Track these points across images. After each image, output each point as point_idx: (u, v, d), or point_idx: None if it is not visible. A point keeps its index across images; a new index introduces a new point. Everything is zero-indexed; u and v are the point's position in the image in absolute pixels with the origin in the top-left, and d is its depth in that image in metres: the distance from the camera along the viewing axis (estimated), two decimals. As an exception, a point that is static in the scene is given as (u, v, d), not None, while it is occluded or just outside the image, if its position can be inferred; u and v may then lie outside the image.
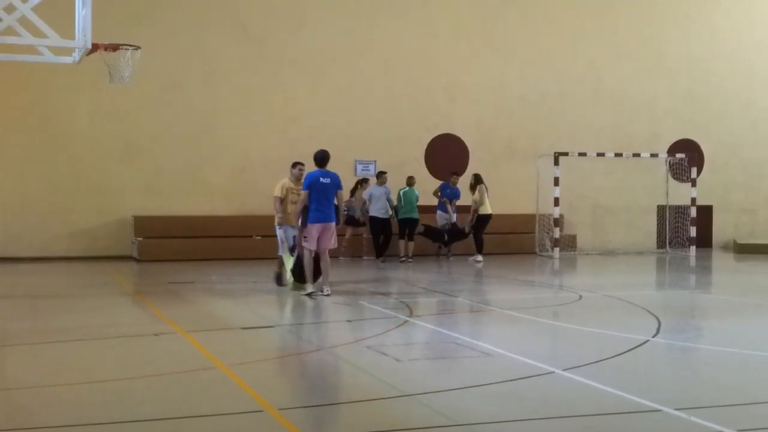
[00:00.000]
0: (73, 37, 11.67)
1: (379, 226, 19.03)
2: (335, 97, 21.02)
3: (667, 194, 22.79)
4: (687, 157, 22.37)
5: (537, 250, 21.08)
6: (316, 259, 12.84)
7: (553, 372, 7.78)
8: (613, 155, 21.53)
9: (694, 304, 13.74)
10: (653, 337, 9.66)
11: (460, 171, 20.55)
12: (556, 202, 20.47)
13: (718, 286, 16.98)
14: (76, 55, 12.61)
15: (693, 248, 21.58)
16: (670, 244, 22.63)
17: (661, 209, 23.15)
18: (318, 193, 12.48)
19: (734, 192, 24.29)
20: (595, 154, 21.36)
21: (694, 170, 22.00)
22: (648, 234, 23.25)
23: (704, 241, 23.18)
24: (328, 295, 12.50)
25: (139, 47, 13.15)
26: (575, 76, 22.80)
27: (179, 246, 19.08)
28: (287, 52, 20.74)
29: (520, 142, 22.11)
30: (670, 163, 22.84)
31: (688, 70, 23.74)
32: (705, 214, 23.32)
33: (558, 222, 20.61)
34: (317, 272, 12.91)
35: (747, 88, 24.20)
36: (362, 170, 21.04)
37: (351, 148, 20.98)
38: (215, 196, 20.21)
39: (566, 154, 20.84)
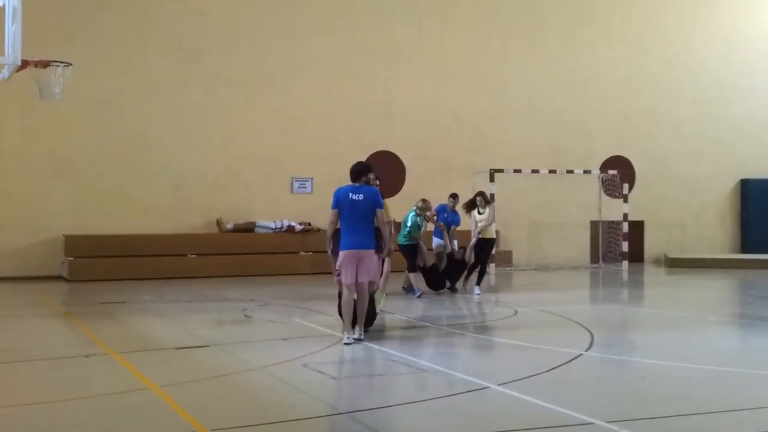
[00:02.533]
0: (2, 53, 11.43)
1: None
2: (271, 115, 20.94)
3: (600, 210, 23.18)
4: (619, 173, 22.78)
5: (474, 266, 21.19)
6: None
7: (488, 387, 7.81)
8: (548, 172, 21.82)
9: (627, 318, 13.94)
10: (586, 351, 9.77)
11: (456, 193, 17.13)
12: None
13: (650, 300, 17.27)
14: (6, 72, 12.33)
15: (625, 263, 21.94)
16: (603, 259, 22.98)
17: (594, 225, 23.52)
18: (347, 212, 10.15)
19: (665, 208, 24.80)
20: (530, 171, 21.62)
21: (626, 186, 22.41)
22: (582, 249, 23.59)
23: (636, 255, 23.59)
24: (350, 342, 9.99)
25: (71, 64, 12.93)
26: (510, 95, 23.09)
27: (111, 265, 18.75)
28: (223, 70, 20.61)
29: (456, 160, 22.28)
30: (602, 179, 23.24)
31: (619, 89, 24.22)
32: (637, 229, 23.75)
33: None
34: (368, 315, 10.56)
35: (676, 107, 24.78)
36: (299, 188, 20.96)
37: (288, 166, 20.92)
38: (149, 214, 19.93)
39: (502, 171, 21.06)
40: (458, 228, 16.94)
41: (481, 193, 16.74)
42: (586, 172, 22.63)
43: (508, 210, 21.72)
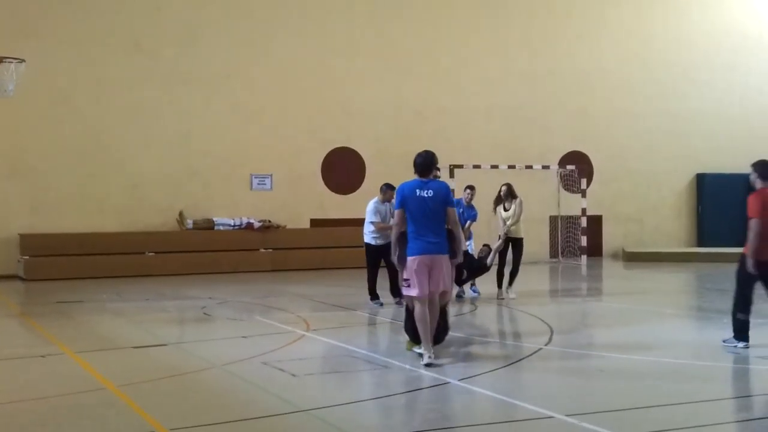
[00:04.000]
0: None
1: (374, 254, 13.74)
2: (230, 112, 20.80)
3: (558, 205, 23.36)
4: (577, 168, 22.97)
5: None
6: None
7: (449, 382, 7.83)
8: (507, 167, 21.93)
9: (586, 312, 14.06)
10: (546, 345, 9.83)
11: (472, 185, 15.22)
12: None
13: (609, 293, 17.44)
14: (-44, 68, 12.13)
15: (584, 257, 22.14)
16: (562, 253, 23.17)
17: (553, 219, 23.70)
18: (415, 211, 8.61)
19: (622, 202, 25.05)
20: (489, 167, 21.72)
21: (584, 181, 22.60)
22: (541, 244, 23.74)
23: (595, 250, 23.82)
24: (429, 364, 8.45)
25: (24, 60, 12.76)
26: (469, 91, 23.16)
27: (68, 264, 18.50)
28: (180, 67, 20.43)
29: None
30: (561, 174, 23.41)
31: (578, 85, 24.40)
32: (595, 223, 23.97)
33: (454, 234, 20.81)
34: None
35: (632, 103, 25.02)
36: (258, 185, 20.85)
37: (247, 163, 20.79)
38: (106, 212, 19.70)
39: (461, 166, 21.12)
40: (475, 223, 14.91)
41: (508, 185, 14.77)
42: (545, 167, 22.78)
43: (469, 206, 21.77)
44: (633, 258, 23.15)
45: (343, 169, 21.63)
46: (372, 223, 13.43)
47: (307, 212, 21.31)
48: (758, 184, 9.57)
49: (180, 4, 20.65)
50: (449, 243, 8.75)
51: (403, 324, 9.50)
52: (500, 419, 6.65)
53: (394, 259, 8.92)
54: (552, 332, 10.71)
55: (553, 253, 23.51)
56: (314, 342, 10.32)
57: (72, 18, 19.74)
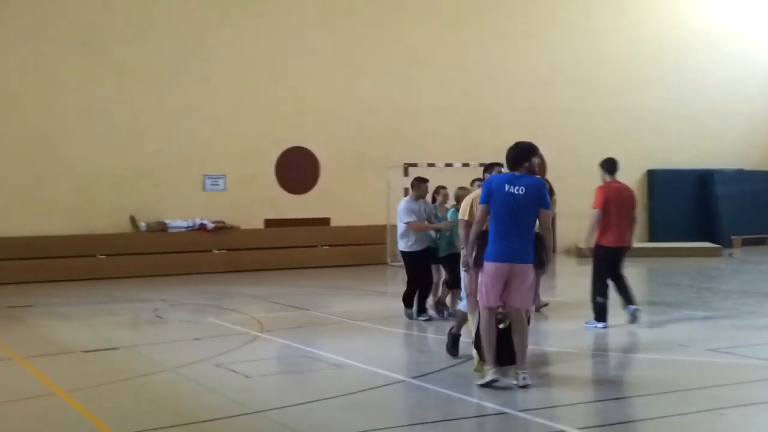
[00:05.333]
0: None
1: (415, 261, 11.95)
2: (182, 111, 20.55)
3: (512, 202, 23.51)
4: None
5: (388, 260, 21.25)
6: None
7: (403, 381, 7.83)
8: (461, 165, 21.98)
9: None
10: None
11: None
12: (407, 212, 20.71)
13: (562, 289, 17.56)
14: None
15: (535, 254, 22.24)
16: (516, 251, 23.29)
17: (507, 217, 23.82)
18: (501, 210, 7.52)
19: (575, 199, 25.18)
20: (444, 165, 21.76)
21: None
22: (496, 242, 23.83)
23: (548, 246, 23.98)
24: (525, 386, 7.41)
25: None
26: (424, 90, 23.17)
27: (17, 268, 18.14)
28: (131, 65, 20.13)
29: (371, 154, 22.26)
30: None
31: (531, 83, 24.54)
32: (549, 220, 24.13)
33: (409, 232, 20.83)
34: (505, 349, 7.71)
35: (585, 101, 25.23)
36: (211, 185, 20.66)
37: (199, 163, 20.56)
38: (55, 214, 19.34)
39: (415, 165, 21.14)
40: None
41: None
42: (498, 165, 22.87)
43: (423, 204, 21.80)
44: (586, 254, 23.26)
45: (297, 169, 21.52)
46: (407, 223, 11.53)
47: (261, 212, 21.16)
48: (606, 178, 10.58)
49: (129, 0, 20.37)
50: (536, 251, 7.63)
51: (473, 341, 8.10)
52: (455, 416, 6.64)
53: (470, 260, 7.86)
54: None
55: (508, 250, 23.63)
56: (268, 343, 10.26)
57: (17, 15, 19.36)
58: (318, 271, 19.61)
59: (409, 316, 11.69)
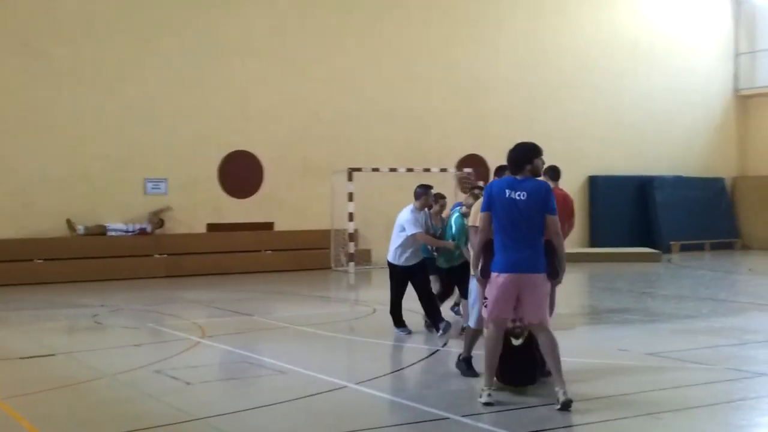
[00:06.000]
0: None
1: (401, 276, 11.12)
2: (123, 113, 20.24)
3: (457, 207, 23.58)
4: (474, 171, 23.24)
5: (332, 265, 21.21)
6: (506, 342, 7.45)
7: (346, 386, 7.79)
8: (406, 170, 22.05)
9: (483, 313, 14.20)
10: (443, 346, 9.90)
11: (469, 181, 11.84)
12: (351, 217, 20.71)
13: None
14: None
15: (481, 259, 22.40)
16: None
17: (451, 222, 23.90)
18: (503, 217, 7.07)
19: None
20: (388, 170, 21.80)
21: (481, 183, 22.84)
22: (440, 247, 23.89)
23: (491, 250, 24.13)
24: (567, 402, 6.82)
25: None
26: (369, 94, 23.17)
27: (-48, 273, 17.71)
28: (71, 67, 19.78)
29: (315, 159, 22.19)
30: (458, 177, 23.61)
31: (475, 89, 24.71)
32: (491, 225, 24.30)
33: (353, 237, 20.83)
34: (518, 367, 7.53)
35: (527, 106, 25.49)
36: (152, 189, 20.38)
37: (141, 167, 20.26)
38: (-8, 218, 18.92)
39: (360, 169, 21.14)
40: None
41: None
42: (442, 170, 22.99)
43: (368, 209, 21.81)
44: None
45: (240, 173, 21.35)
46: (413, 235, 10.65)
47: (203, 217, 20.94)
48: (551, 185, 10.26)
49: (70, 2, 20.02)
50: (548, 259, 7.10)
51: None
52: (397, 422, 6.65)
53: (477, 273, 7.38)
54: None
55: (452, 256, 23.71)
56: (210, 349, 10.14)
57: (-46, 16, 18.92)
58: (261, 275, 19.48)
59: (407, 332, 10.76)
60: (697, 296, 15.35)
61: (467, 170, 23.42)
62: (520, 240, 7.00)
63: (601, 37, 26.68)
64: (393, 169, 21.86)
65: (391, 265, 11.03)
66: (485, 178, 23.72)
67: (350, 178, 20.79)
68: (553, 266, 7.15)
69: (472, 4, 24.77)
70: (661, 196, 26.31)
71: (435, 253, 11.10)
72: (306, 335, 11.08)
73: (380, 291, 15.18)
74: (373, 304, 14.15)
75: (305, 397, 7.44)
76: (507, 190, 7.07)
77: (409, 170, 22.08)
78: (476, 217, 7.83)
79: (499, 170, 8.76)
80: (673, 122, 27.46)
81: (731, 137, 28.81)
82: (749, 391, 7.81)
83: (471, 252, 8.05)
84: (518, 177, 7.14)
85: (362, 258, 21.53)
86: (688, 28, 28.12)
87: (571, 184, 25.98)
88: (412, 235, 10.63)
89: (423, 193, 10.96)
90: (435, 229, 11.13)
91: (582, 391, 7.37)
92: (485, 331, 7.52)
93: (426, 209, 11.10)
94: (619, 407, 7.06)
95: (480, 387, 7.21)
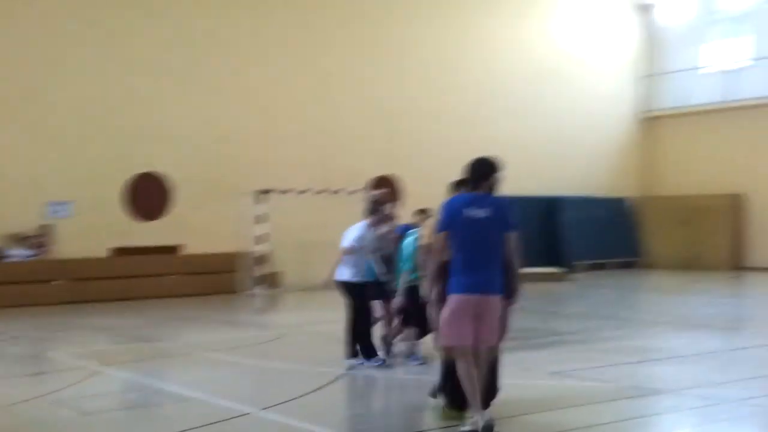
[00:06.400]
0: None
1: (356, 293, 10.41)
2: (25, 135, 19.62)
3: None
4: (386, 192, 23.26)
5: (241, 289, 20.93)
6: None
7: (249, 413, 7.64)
8: (317, 192, 21.97)
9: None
10: (350, 370, 9.80)
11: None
12: (260, 239, 20.49)
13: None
14: None
15: (393, 279, 22.42)
16: (373, 277, 23.32)
17: (362, 243, 23.84)
18: (464, 236, 6.73)
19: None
20: (299, 191, 21.68)
21: (391, 205, 22.91)
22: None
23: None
24: (490, 427, 6.61)
25: None
26: (281, 114, 23.00)
27: None
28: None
29: (225, 180, 21.89)
30: (369, 198, 23.61)
31: (386, 111, 24.77)
32: (403, 247, 24.35)
33: (263, 259, 20.60)
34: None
35: (439, 129, 25.67)
36: (53, 212, 19.77)
37: (43, 189, 19.65)
38: None
39: (270, 191, 20.96)
40: None
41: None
42: (354, 191, 22.98)
43: (278, 230, 21.62)
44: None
45: (147, 195, 20.90)
46: (344, 248, 10.10)
47: (108, 240, 20.40)
48: None
49: (-33, 21, 19.39)
50: (505, 279, 6.79)
51: (438, 384, 7.39)
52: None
53: (432, 296, 6.94)
54: (359, 354, 10.67)
55: (363, 277, 23.64)
56: (110, 377, 9.84)
57: None
58: (168, 300, 19.04)
59: (381, 362, 9.87)
60: (601, 315, 15.63)
61: (379, 191, 23.49)
62: (480, 260, 6.66)
63: (510, 60, 27.12)
64: (303, 191, 21.76)
65: (343, 285, 10.29)
66: (396, 199, 23.83)
67: (260, 200, 20.58)
68: (510, 287, 6.88)
69: (382, 25, 24.92)
70: (567, 216, 26.82)
71: (383, 276, 10.25)
72: (211, 361, 10.86)
73: (289, 314, 15.07)
74: (282, 328, 14.00)
75: (207, 425, 7.26)
76: (468, 208, 6.75)
77: (319, 192, 22.03)
78: (429, 234, 7.43)
79: (458, 185, 7.95)
80: (579, 143, 28.05)
81: (636, 158, 29.59)
82: (649, 409, 7.95)
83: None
84: (478, 193, 6.85)
85: (273, 281, 21.33)
86: (594, 51, 28.82)
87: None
88: (343, 248, 10.10)
89: (374, 206, 10.49)
90: (387, 251, 10.41)
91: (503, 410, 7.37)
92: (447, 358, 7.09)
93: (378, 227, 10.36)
94: (522, 428, 7.08)
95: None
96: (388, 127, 24.72)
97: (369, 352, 9.97)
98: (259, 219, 20.51)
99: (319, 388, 8.73)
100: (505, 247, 6.77)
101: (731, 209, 26.51)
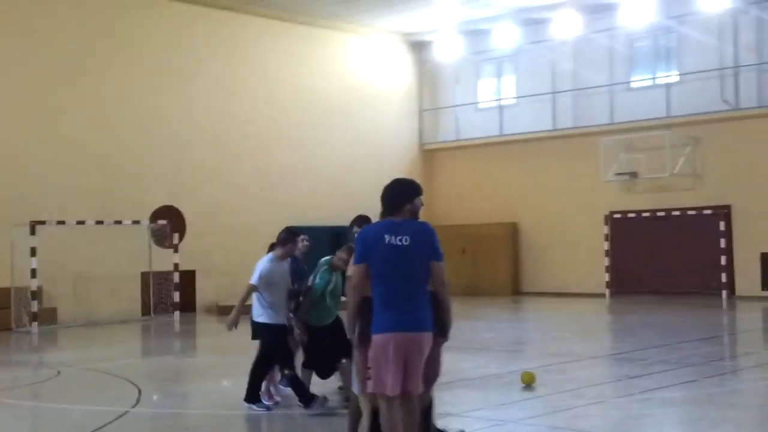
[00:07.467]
0: None
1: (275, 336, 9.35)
2: None
3: (150, 260, 22.77)
4: (169, 223, 22.65)
5: (13, 326, 19.59)
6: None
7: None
8: (95, 223, 20.99)
9: (178, 370, 13.74)
10: (133, 407, 9.37)
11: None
12: (34, 273, 19.29)
13: (201, 349, 17.29)
14: None
15: (177, 313, 21.79)
16: (154, 310, 22.57)
17: (145, 276, 23.01)
18: (383, 268, 5.99)
19: (216, 256, 25.14)
20: (75, 222, 20.63)
21: (176, 236, 22.32)
22: (133, 301, 22.93)
23: (189, 305, 23.54)
24: None
25: None
26: (58, 141, 21.84)
27: None
28: None
29: (-5, 211, 20.51)
30: (152, 229, 22.91)
31: (170, 139, 24.13)
32: (188, 278, 23.73)
33: (36, 295, 19.40)
34: None
35: (224, 159, 25.34)
36: None
37: None
38: None
39: (44, 222, 19.81)
40: None
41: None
42: (135, 222, 22.16)
43: (53, 264, 20.44)
44: (227, 312, 23.02)
45: None
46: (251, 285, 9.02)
47: None
48: None
49: None
50: (435, 314, 6.03)
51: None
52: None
53: (353, 338, 6.17)
54: (140, 393, 10.24)
55: (145, 311, 22.81)
56: None
57: None
58: None
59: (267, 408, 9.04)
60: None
61: (161, 222, 22.83)
62: (403, 293, 5.90)
63: (296, 91, 27.26)
64: (81, 222, 20.74)
65: (261, 328, 9.27)
66: (181, 230, 23.24)
67: (33, 232, 19.40)
68: (439, 322, 6.07)
69: (167, 53, 24.37)
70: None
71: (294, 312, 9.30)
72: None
73: (66, 352, 14.24)
74: (58, 366, 13.19)
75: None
76: (386, 235, 5.95)
77: (99, 223, 21.10)
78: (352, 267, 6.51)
79: (360, 221, 7.52)
80: (364, 174, 28.51)
81: (417, 189, 30.50)
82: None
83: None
84: (396, 219, 6.06)
85: (47, 317, 20.13)
86: (377, 86, 29.54)
87: (270, 235, 26.17)
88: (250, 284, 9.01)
89: (285, 239, 9.27)
90: (304, 274, 9.60)
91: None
92: (362, 403, 6.47)
93: (290, 258, 9.31)
94: None
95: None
96: (171, 155, 24.12)
97: (254, 395, 9.04)
98: (32, 252, 19.31)
99: (99, 428, 8.26)
100: (431, 278, 6.02)
101: (509, 237, 27.90)
